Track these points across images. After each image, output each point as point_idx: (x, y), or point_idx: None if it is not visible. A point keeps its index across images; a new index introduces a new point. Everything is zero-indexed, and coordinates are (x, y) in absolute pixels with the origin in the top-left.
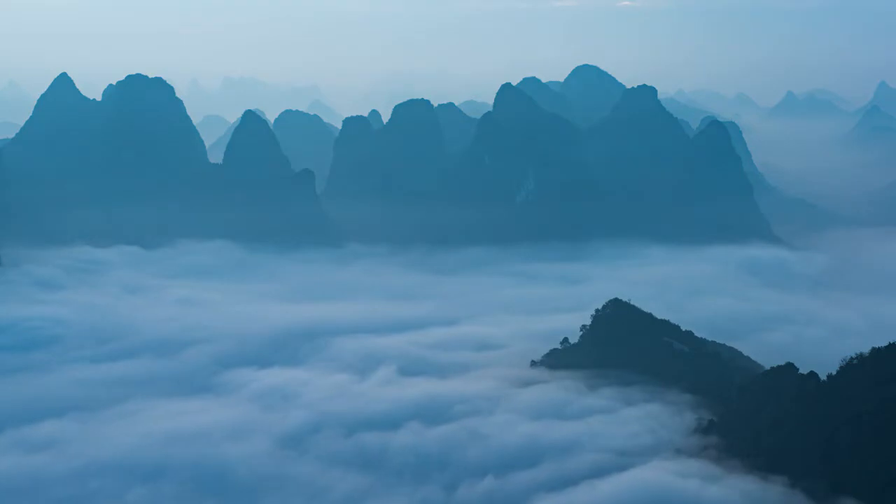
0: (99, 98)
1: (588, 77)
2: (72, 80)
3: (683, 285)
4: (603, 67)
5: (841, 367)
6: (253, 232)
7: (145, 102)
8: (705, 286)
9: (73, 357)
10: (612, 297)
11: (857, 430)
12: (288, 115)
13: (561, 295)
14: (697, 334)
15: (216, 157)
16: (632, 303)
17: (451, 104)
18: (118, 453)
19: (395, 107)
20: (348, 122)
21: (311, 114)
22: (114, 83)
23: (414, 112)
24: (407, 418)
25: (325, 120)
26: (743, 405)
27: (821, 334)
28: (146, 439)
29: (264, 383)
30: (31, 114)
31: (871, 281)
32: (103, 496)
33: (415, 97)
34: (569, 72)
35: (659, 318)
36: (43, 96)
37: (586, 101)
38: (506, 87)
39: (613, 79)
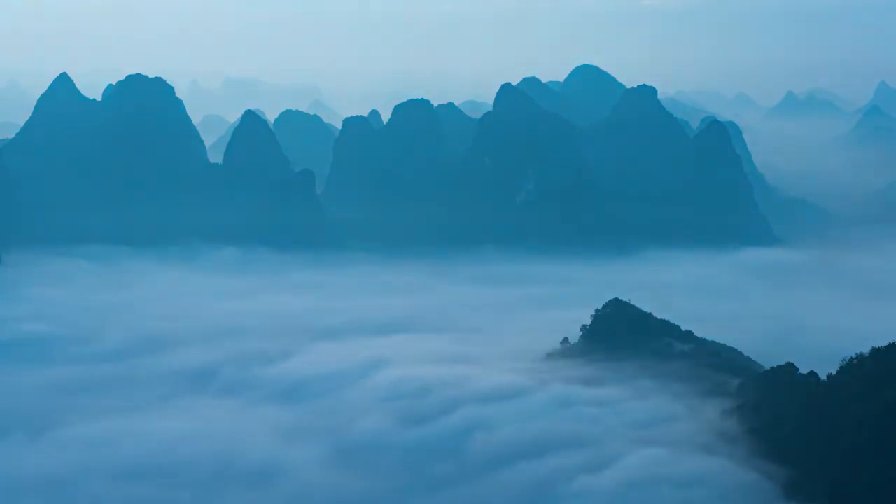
0: (99, 98)
1: (588, 77)
2: (72, 80)
3: (683, 285)
4: (603, 67)
5: (841, 367)
6: (253, 232)
7: (145, 102)
8: (705, 286)
9: (76, 357)
10: (612, 296)
11: (857, 430)
12: (288, 115)
13: (561, 295)
14: (697, 334)
15: (216, 157)
16: (632, 303)
17: (451, 104)
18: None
19: (395, 107)
20: (348, 122)
21: (311, 114)
22: (114, 83)
23: (414, 112)
24: (408, 417)
25: (325, 120)
26: (743, 405)
27: (821, 334)
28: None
29: (268, 381)
30: (31, 114)
31: (871, 281)
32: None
33: (415, 97)
34: (569, 72)
35: (659, 318)
36: (43, 96)
37: (586, 101)
38: (506, 87)
39: (613, 79)
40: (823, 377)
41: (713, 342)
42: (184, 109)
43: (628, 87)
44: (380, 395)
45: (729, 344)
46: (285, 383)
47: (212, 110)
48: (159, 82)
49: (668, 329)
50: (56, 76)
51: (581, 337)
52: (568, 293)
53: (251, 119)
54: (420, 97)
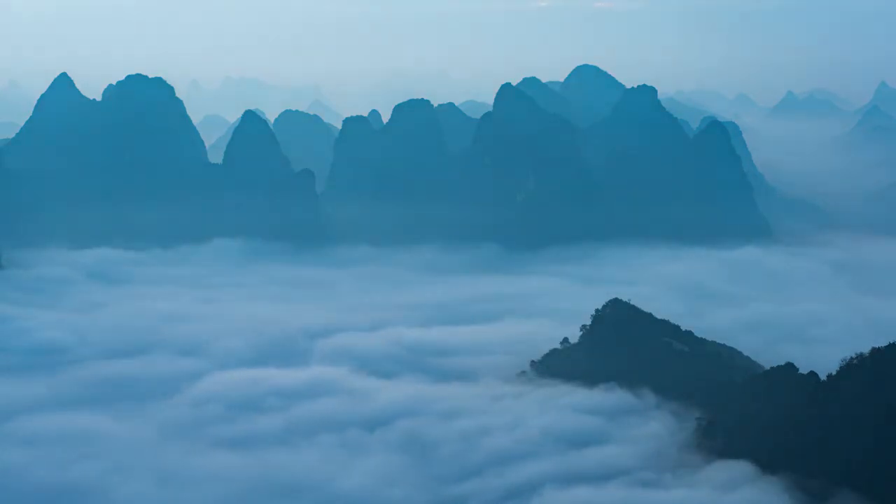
0: (99, 98)
1: (588, 77)
2: (72, 80)
3: (683, 285)
4: (603, 67)
5: (841, 367)
6: (253, 232)
7: (145, 102)
8: (704, 286)
9: (73, 357)
10: (611, 297)
11: (857, 430)
12: (288, 115)
13: (561, 294)
14: (697, 334)
15: (216, 157)
16: (631, 303)
17: (451, 104)
18: None
19: (395, 107)
20: (348, 122)
21: (311, 114)
22: (114, 83)
23: (414, 112)
24: (405, 419)
25: (325, 120)
26: (743, 405)
27: (820, 334)
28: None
29: (264, 383)
30: (31, 114)
31: (871, 281)
32: None
33: (415, 97)
34: (569, 72)
35: (659, 318)
36: (43, 96)
37: (586, 101)
38: (506, 87)
39: (613, 79)
40: (823, 377)
41: (713, 342)
42: (184, 109)
43: (628, 87)
44: (373, 398)
45: (729, 344)
46: (278, 387)
47: (212, 110)
48: (159, 82)
49: (668, 329)
50: (56, 76)
51: (581, 337)
52: (567, 293)
53: (251, 119)
54: (420, 97)
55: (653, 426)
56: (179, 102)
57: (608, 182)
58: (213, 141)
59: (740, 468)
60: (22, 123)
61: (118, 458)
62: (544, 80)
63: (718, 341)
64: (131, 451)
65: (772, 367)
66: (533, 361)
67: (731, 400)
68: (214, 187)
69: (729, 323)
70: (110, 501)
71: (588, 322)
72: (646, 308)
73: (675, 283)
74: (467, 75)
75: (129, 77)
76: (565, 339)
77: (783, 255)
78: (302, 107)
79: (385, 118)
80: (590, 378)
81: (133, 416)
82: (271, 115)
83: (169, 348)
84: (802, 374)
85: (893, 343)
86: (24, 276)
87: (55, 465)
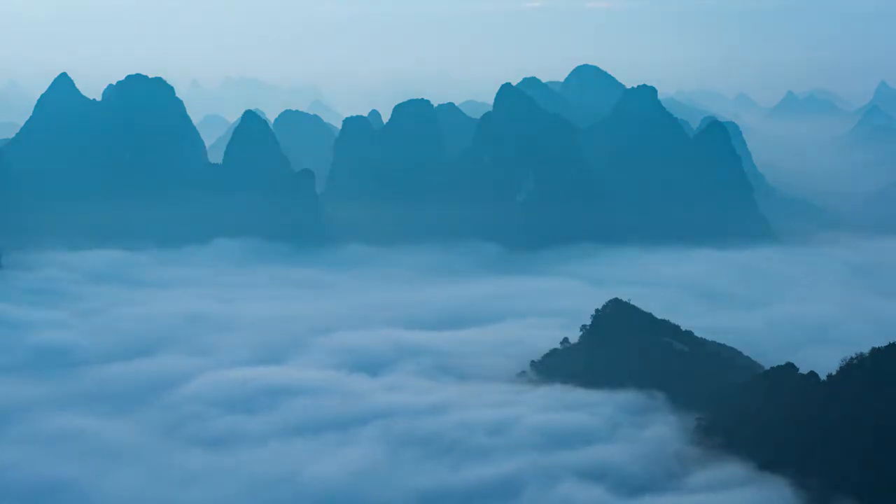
0: (99, 98)
1: (588, 77)
2: (72, 80)
3: (683, 285)
4: (603, 67)
5: (841, 367)
6: (253, 232)
7: (145, 102)
8: (704, 285)
9: (73, 358)
10: (611, 297)
11: (857, 430)
12: (288, 115)
13: (561, 294)
14: (697, 334)
15: (216, 157)
16: (632, 303)
17: (451, 104)
18: None
19: (395, 107)
20: (348, 122)
21: (311, 114)
22: (114, 83)
23: (414, 112)
24: (401, 418)
25: (325, 120)
26: (743, 405)
27: (820, 334)
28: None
29: (260, 383)
30: (31, 114)
31: (871, 281)
32: None
33: (415, 97)
34: (569, 72)
35: (659, 318)
36: (43, 96)
37: (586, 101)
38: (506, 87)
39: (613, 79)
40: (823, 377)
41: (713, 342)
42: (184, 109)
43: (628, 87)
44: (367, 398)
45: (729, 344)
46: (274, 386)
47: (212, 110)
48: (159, 82)
49: (667, 329)
50: (56, 76)
51: (581, 337)
52: (568, 293)
53: (251, 119)
54: (420, 97)
55: (653, 426)
56: (179, 102)
57: (608, 182)
58: (213, 141)
59: (740, 468)
60: (22, 123)
61: (112, 458)
62: (544, 80)
63: (718, 341)
64: (124, 450)
65: (772, 367)
66: (533, 361)
67: (731, 400)
68: (214, 187)
69: (729, 323)
70: (103, 500)
71: (588, 322)
72: (646, 308)
73: (675, 282)
74: (467, 76)
75: (129, 77)
76: (565, 339)
77: (784, 255)
78: (302, 107)
79: (385, 118)
80: (590, 378)
81: (128, 416)
82: (271, 115)
83: (169, 349)
84: (802, 374)
85: (893, 343)
86: (25, 276)
87: (50, 465)
